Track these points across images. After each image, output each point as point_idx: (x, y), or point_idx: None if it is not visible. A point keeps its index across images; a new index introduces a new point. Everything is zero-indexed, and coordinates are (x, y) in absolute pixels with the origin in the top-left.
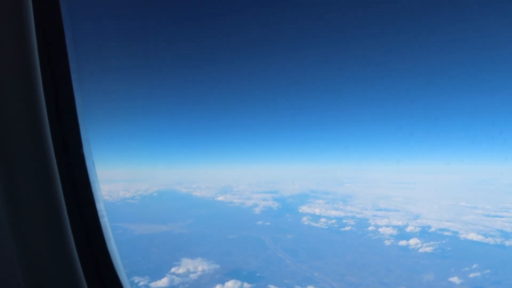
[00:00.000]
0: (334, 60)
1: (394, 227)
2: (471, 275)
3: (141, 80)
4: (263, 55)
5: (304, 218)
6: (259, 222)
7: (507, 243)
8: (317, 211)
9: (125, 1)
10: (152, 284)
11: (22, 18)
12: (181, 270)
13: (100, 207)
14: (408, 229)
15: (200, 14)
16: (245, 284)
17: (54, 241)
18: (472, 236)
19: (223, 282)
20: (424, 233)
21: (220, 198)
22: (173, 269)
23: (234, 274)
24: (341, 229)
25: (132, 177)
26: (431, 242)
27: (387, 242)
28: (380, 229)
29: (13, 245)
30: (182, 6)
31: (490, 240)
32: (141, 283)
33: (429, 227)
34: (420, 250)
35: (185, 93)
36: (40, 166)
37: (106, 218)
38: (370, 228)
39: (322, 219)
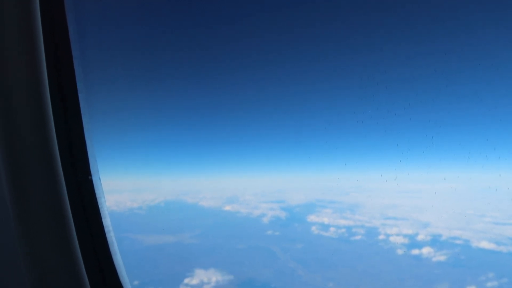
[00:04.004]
0: (337, 70)
1: (405, 236)
2: (489, 284)
3: (147, 90)
4: (268, 65)
5: (313, 228)
6: (268, 232)
7: None
8: (325, 220)
9: (135, 5)
10: None
11: (29, 23)
12: (194, 281)
13: (107, 222)
14: (419, 238)
15: (211, 20)
16: None
17: (62, 257)
18: (484, 244)
19: None
20: (436, 242)
21: (227, 208)
22: (186, 280)
23: (248, 285)
24: (351, 238)
25: (138, 187)
26: (444, 251)
27: (399, 251)
28: (391, 238)
29: (23, 260)
30: (198, 10)
31: (502, 249)
32: None
33: (440, 235)
34: (434, 259)
35: (191, 103)
36: (48, 184)
37: (113, 233)
38: (380, 237)
39: (332, 229)
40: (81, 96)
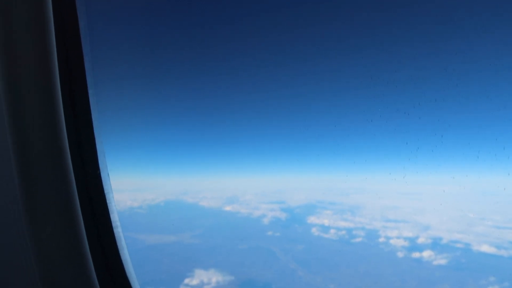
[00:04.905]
0: (340, 71)
1: (406, 238)
2: None
3: (151, 89)
4: (270, 65)
5: (314, 229)
6: (268, 233)
7: None
8: (326, 221)
9: (148, 3)
10: None
11: (41, 20)
12: (195, 282)
13: (114, 217)
14: (420, 240)
15: (223, 20)
16: None
17: (70, 250)
18: (485, 248)
19: None
20: (436, 245)
21: (227, 208)
22: (186, 280)
23: (249, 286)
24: (351, 240)
25: (138, 186)
26: (445, 254)
27: (400, 254)
28: (392, 241)
29: (32, 253)
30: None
31: (503, 253)
32: None
33: (441, 238)
34: (434, 262)
35: (192, 103)
36: (57, 179)
37: (120, 229)
38: (381, 240)
39: (332, 230)
40: (91, 92)
